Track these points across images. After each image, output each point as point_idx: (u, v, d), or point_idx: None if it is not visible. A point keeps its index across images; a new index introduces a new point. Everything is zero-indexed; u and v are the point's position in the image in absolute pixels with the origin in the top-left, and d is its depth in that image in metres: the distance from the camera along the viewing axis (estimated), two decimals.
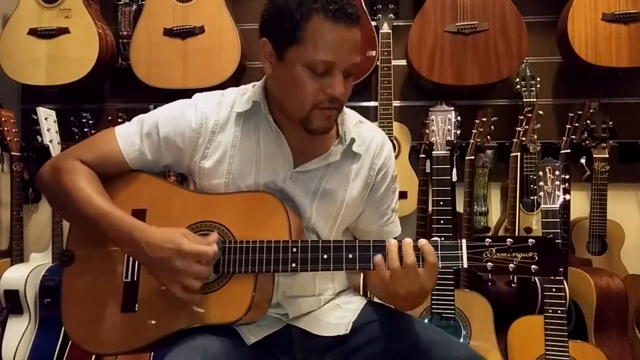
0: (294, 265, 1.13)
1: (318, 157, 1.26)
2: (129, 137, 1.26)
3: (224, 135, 1.26)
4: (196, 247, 1.10)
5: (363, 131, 1.33)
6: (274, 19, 1.15)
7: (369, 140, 1.33)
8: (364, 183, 1.32)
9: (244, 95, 1.29)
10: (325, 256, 1.13)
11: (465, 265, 1.07)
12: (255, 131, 1.27)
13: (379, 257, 1.09)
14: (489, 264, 1.06)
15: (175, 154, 1.27)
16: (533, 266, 1.04)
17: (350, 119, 1.32)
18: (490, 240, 1.07)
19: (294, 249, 1.13)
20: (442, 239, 1.10)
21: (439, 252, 1.08)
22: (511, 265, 1.05)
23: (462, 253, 1.07)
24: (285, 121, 1.25)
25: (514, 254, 1.05)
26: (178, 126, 1.25)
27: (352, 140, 1.28)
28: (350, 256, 1.12)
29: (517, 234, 2.32)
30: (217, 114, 1.27)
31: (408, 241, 1.08)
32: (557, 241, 1.13)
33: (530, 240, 1.05)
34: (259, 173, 1.25)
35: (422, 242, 1.07)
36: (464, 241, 1.08)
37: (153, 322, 1.18)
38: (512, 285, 2.18)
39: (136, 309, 1.20)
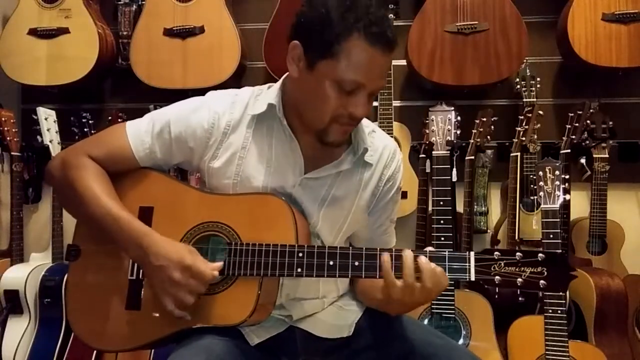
0: (299, 270, 1.12)
1: (329, 165, 1.25)
2: (139, 135, 1.25)
3: (235, 136, 1.25)
4: (197, 264, 1.10)
5: (376, 140, 1.31)
6: (311, 26, 1.12)
7: (381, 149, 1.31)
8: (372, 193, 1.31)
9: (259, 96, 1.27)
10: (331, 262, 1.12)
11: (473, 279, 1.06)
12: (268, 134, 1.25)
13: (387, 259, 1.07)
14: (497, 277, 1.05)
15: (186, 154, 1.26)
16: (541, 281, 1.03)
17: (364, 127, 1.29)
18: (499, 254, 1.05)
19: (300, 254, 1.13)
20: (449, 250, 1.08)
21: (447, 264, 1.07)
22: (519, 279, 1.04)
23: (469, 266, 1.06)
24: (300, 126, 1.24)
25: (522, 269, 1.04)
26: (190, 126, 1.24)
27: (365, 150, 1.27)
28: (357, 264, 1.11)
29: (517, 235, 2.32)
30: (230, 115, 1.25)
31: (424, 260, 1.06)
32: (566, 255, 1.11)
33: (540, 255, 1.04)
34: (269, 177, 1.24)
35: (439, 269, 1.05)
36: (472, 254, 1.07)
37: (157, 320, 1.18)
38: None
39: (141, 307, 1.20)
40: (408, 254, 1.06)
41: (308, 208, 1.25)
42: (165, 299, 1.12)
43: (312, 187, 1.25)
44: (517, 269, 1.04)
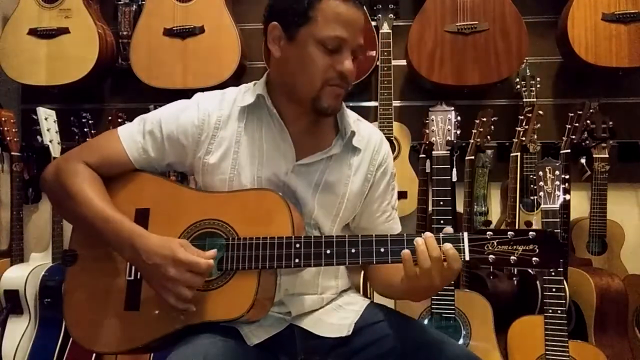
0: (297, 260, 1.14)
1: (320, 151, 1.29)
2: (132, 136, 1.28)
3: (226, 131, 1.28)
4: (190, 257, 1.10)
5: (362, 128, 1.36)
6: (283, 3, 1.21)
7: (368, 136, 1.36)
8: (364, 178, 1.34)
9: (246, 92, 1.32)
10: (328, 251, 1.13)
11: (467, 258, 1.07)
12: (258, 125, 1.29)
13: (406, 252, 1.08)
14: (491, 256, 1.06)
15: (179, 152, 1.29)
16: (534, 258, 1.05)
17: (350, 115, 1.35)
18: (491, 233, 1.07)
19: (297, 245, 1.14)
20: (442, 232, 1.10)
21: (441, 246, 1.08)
22: (512, 257, 1.06)
23: (463, 246, 1.07)
24: (289, 113, 1.28)
25: (515, 247, 1.06)
26: (180, 124, 1.27)
27: (352, 134, 1.31)
28: (353, 251, 1.13)
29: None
30: (219, 111, 1.29)
31: (429, 235, 1.08)
32: (557, 234, 1.14)
33: (531, 233, 1.06)
34: (262, 167, 1.27)
35: (447, 246, 1.07)
36: (465, 234, 1.08)
37: (156, 319, 1.18)
38: (513, 284, 2.18)
39: (140, 307, 1.20)
40: (420, 241, 1.08)
41: (302, 194, 1.28)
42: (165, 296, 1.12)
43: (305, 173, 1.28)
44: (509, 247, 1.06)
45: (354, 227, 1.42)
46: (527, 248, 1.05)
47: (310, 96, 1.22)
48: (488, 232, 1.07)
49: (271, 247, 1.15)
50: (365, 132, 1.36)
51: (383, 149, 1.38)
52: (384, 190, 1.38)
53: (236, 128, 1.28)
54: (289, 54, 1.22)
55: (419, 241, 1.08)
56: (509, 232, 1.06)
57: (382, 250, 1.11)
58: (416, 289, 1.13)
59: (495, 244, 1.06)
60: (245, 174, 1.26)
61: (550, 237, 1.07)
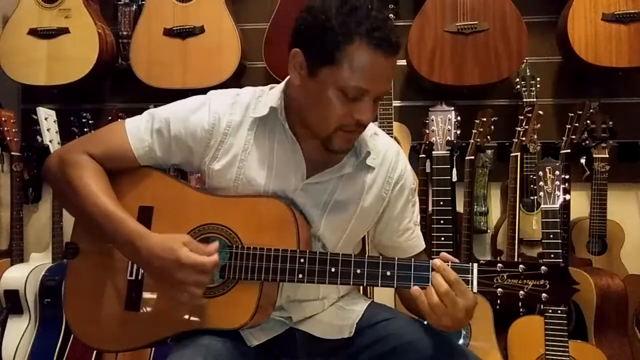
0: (300, 276, 1.11)
1: (330, 168, 1.23)
2: (138, 133, 1.23)
3: (236, 138, 1.23)
4: (194, 259, 1.07)
5: (378, 143, 1.29)
6: (312, 33, 1.10)
7: (384, 153, 1.29)
8: (378, 196, 1.29)
9: (260, 97, 1.25)
10: (332, 269, 1.11)
11: (475, 290, 1.05)
12: (270, 137, 1.23)
13: (416, 289, 1.06)
14: (499, 289, 1.04)
15: (186, 153, 1.24)
16: (544, 294, 1.02)
17: (366, 130, 1.25)
18: (502, 266, 1.05)
19: (302, 260, 1.12)
20: (449, 260, 1.06)
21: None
22: (521, 292, 1.03)
23: (472, 277, 1.05)
24: (302, 130, 1.22)
25: (525, 281, 1.03)
26: (189, 126, 1.22)
27: (367, 154, 1.25)
28: (359, 271, 1.10)
29: (516, 235, 2.32)
30: (230, 115, 1.23)
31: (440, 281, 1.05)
32: (569, 269, 1.11)
33: (542, 268, 1.03)
34: (270, 180, 1.22)
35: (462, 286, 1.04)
36: (475, 265, 1.06)
37: (156, 323, 1.17)
38: None
39: (140, 308, 1.19)
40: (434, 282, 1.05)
41: (310, 213, 1.23)
42: (177, 297, 1.10)
43: (314, 192, 1.24)
44: (519, 282, 1.03)
45: (375, 245, 1.38)
46: (537, 283, 1.03)
47: (322, 136, 1.16)
48: (499, 265, 1.05)
49: (275, 260, 1.12)
50: (381, 148, 1.29)
51: (400, 165, 1.31)
52: (403, 208, 1.32)
53: (246, 136, 1.22)
54: (308, 87, 1.14)
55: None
56: (520, 266, 1.04)
57: (389, 274, 1.09)
58: (438, 322, 1.08)
59: (505, 276, 1.04)
60: (251, 185, 1.22)
61: (562, 272, 1.04)
